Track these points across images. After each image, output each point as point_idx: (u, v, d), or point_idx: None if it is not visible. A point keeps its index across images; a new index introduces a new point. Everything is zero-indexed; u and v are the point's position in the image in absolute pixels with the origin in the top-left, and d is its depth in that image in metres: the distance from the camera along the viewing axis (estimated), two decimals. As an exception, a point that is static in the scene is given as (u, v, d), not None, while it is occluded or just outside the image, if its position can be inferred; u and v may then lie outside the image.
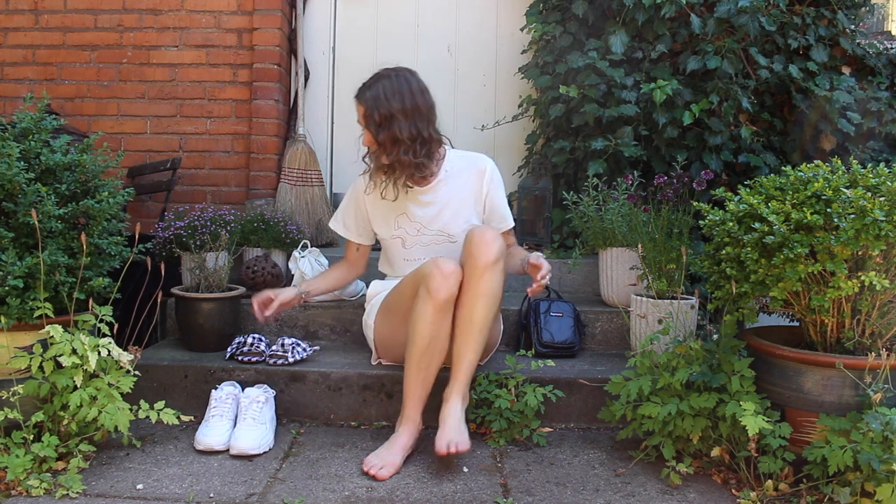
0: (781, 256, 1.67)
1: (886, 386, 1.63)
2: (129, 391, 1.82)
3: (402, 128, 2.04)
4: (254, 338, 2.27)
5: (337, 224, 2.34)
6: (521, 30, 3.26)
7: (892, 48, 3.19)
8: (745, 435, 1.69)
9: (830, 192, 1.71)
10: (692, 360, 1.83)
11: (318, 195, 3.18)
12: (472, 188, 2.20)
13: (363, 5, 3.51)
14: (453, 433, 1.81)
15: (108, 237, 2.06)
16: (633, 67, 2.89)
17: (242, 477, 1.76)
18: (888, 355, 1.65)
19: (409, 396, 1.90)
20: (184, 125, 3.28)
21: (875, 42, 3.20)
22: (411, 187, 2.16)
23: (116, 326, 1.92)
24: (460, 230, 2.14)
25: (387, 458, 1.82)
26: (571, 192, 2.71)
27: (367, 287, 2.34)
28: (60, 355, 1.74)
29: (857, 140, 2.80)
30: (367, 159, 2.18)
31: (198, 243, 2.45)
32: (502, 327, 2.24)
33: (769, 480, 1.67)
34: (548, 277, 1.95)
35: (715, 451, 1.78)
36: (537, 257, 2.01)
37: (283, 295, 2.18)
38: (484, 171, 2.21)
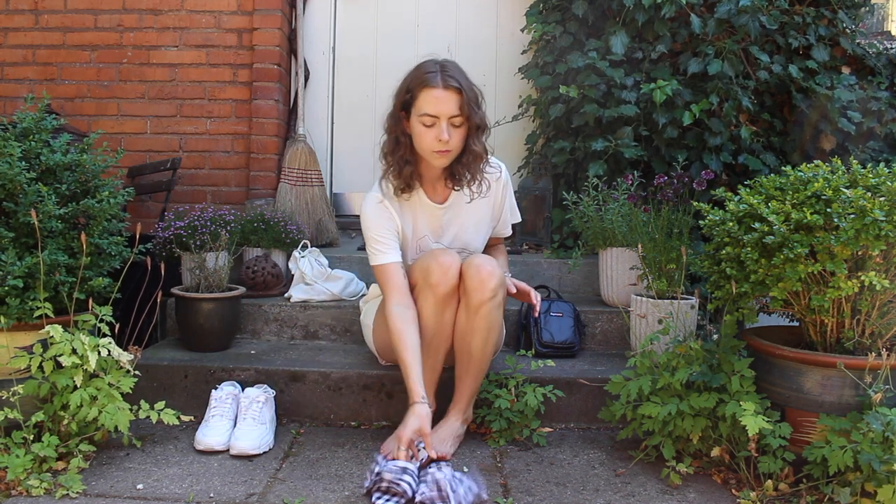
0: (781, 256, 1.67)
1: (887, 386, 1.63)
2: (130, 391, 1.82)
3: (484, 113, 1.93)
4: (391, 469, 1.64)
5: (385, 256, 1.95)
6: (521, 30, 3.26)
7: (892, 48, 3.19)
8: (745, 435, 1.69)
9: (830, 192, 1.71)
10: (692, 360, 1.83)
11: (318, 195, 3.18)
12: (492, 200, 2.08)
13: (363, 5, 3.51)
14: (437, 443, 1.82)
15: (109, 237, 2.06)
16: (633, 68, 2.89)
17: (242, 477, 1.76)
18: (888, 355, 1.65)
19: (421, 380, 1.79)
20: (184, 125, 3.28)
21: (875, 42, 3.20)
22: (435, 202, 2.03)
23: (117, 326, 1.92)
24: (480, 241, 2.12)
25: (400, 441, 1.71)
26: (571, 192, 2.71)
27: (367, 287, 2.34)
28: (60, 355, 1.74)
29: (857, 140, 2.80)
30: (385, 182, 1.99)
31: (198, 243, 2.45)
32: (504, 333, 2.23)
33: (769, 480, 1.67)
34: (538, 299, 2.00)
35: (715, 451, 1.78)
36: (522, 287, 2.04)
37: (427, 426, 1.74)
38: (499, 179, 2.08)
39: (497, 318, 1.92)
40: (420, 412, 1.71)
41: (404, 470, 1.64)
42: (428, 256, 1.91)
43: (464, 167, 1.95)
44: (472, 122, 1.89)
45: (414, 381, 1.75)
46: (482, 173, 1.99)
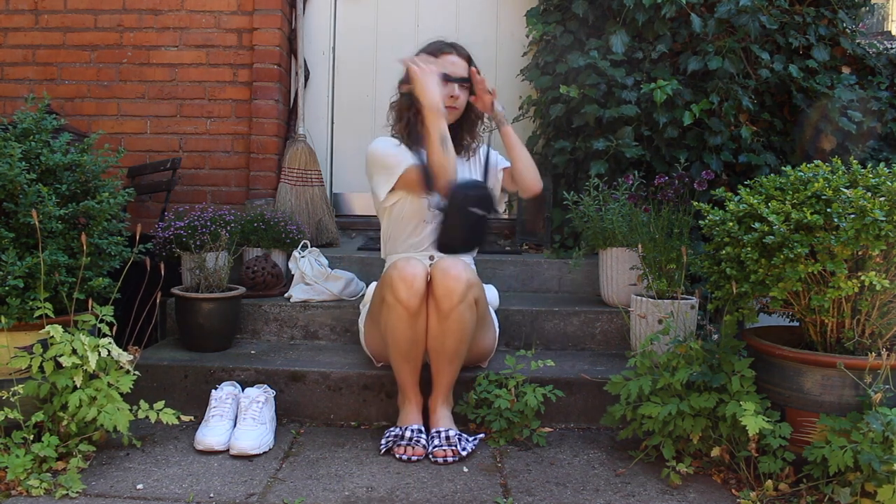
0: (781, 256, 1.67)
1: (887, 386, 1.63)
2: (129, 391, 1.83)
3: None
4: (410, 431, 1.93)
5: (391, 175, 2.11)
6: (522, 30, 3.26)
7: (892, 48, 3.19)
8: (745, 435, 1.69)
9: (830, 192, 1.71)
10: (692, 360, 1.83)
11: (318, 195, 3.18)
12: (481, 162, 2.30)
13: (363, 6, 3.51)
14: (436, 422, 1.95)
15: (109, 237, 2.06)
16: (633, 67, 2.89)
17: (242, 477, 1.76)
18: (888, 355, 1.65)
19: (403, 383, 2.00)
20: (184, 125, 3.28)
21: (875, 42, 3.20)
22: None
23: (116, 326, 1.92)
24: None
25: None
26: (572, 193, 2.71)
27: (367, 287, 2.34)
28: (60, 355, 1.74)
29: (858, 139, 2.79)
30: (396, 130, 2.22)
31: (198, 243, 2.45)
32: (498, 333, 2.23)
33: (769, 480, 1.67)
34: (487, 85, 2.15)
35: (715, 451, 1.78)
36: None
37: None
38: (494, 156, 2.30)
39: (470, 318, 1.93)
40: None
41: (420, 430, 1.93)
42: (391, 270, 1.94)
43: (465, 131, 2.23)
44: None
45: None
46: (479, 137, 2.28)
